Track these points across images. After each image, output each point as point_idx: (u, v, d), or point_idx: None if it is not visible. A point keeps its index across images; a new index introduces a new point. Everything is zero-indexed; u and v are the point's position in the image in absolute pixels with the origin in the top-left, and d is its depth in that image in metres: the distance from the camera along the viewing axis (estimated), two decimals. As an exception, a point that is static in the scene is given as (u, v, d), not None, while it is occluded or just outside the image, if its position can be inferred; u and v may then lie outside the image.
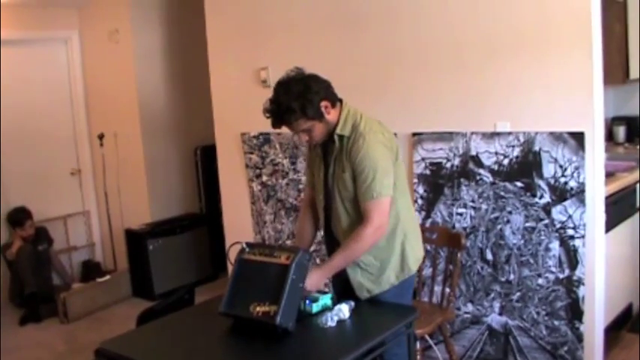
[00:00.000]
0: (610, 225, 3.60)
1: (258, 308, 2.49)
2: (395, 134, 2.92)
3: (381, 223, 2.68)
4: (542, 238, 3.51)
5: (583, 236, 3.39)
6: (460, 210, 3.78)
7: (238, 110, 4.90)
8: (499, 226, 3.65)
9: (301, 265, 2.53)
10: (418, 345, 3.32)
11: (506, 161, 3.58)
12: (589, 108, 3.30)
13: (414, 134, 3.90)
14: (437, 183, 3.86)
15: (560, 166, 3.40)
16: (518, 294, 3.63)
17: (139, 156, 6.08)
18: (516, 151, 3.53)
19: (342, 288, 2.87)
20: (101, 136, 6.15)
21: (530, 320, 3.61)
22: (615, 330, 3.97)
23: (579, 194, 3.37)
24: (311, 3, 4.34)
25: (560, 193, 3.42)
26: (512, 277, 3.64)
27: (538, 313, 3.58)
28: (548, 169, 3.44)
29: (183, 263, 5.96)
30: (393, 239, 2.80)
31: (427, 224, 3.87)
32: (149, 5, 6.03)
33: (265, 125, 4.77)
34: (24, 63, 6.14)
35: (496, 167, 3.61)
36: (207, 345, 2.53)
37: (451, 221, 3.83)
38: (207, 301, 3.12)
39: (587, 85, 3.29)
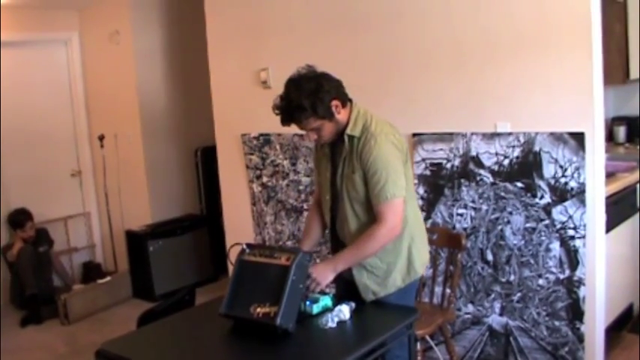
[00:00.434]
0: (610, 225, 3.60)
1: (258, 309, 2.49)
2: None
3: (395, 224, 2.66)
4: (543, 238, 3.51)
5: (583, 236, 3.39)
6: (460, 210, 3.78)
7: (239, 111, 4.90)
8: (499, 227, 3.64)
9: (301, 266, 2.53)
10: (419, 346, 3.32)
11: (506, 162, 3.58)
12: (589, 108, 3.30)
13: (414, 135, 3.90)
14: (437, 183, 3.86)
15: (561, 167, 3.40)
16: (518, 294, 3.63)
17: (140, 157, 6.08)
18: (516, 152, 3.53)
19: (345, 290, 2.87)
20: (101, 138, 6.16)
21: (530, 321, 3.61)
22: (616, 330, 3.96)
23: (580, 194, 3.37)
24: (311, 4, 4.35)
25: (561, 194, 3.42)
26: (512, 277, 3.64)
27: (539, 314, 3.57)
28: (549, 170, 3.44)
29: (184, 264, 5.96)
30: (400, 242, 2.78)
31: (427, 225, 3.86)
32: (149, 6, 6.04)
33: (266, 126, 4.79)
34: (24, 64, 6.15)
35: (496, 168, 3.61)
36: (207, 346, 2.54)
37: (451, 222, 3.83)
38: (207, 302, 3.12)
39: (588, 86, 3.29)
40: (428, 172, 3.88)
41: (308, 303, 2.64)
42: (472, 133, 3.68)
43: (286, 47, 4.49)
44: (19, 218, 5.72)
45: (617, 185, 3.85)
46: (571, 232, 3.42)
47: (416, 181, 3.91)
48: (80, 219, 6.62)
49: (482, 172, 3.67)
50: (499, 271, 3.68)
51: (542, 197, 3.48)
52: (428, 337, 3.48)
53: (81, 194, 6.64)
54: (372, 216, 2.71)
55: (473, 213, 3.74)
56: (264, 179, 4.78)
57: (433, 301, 3.62)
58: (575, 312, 3.46)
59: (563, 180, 3.40)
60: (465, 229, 3.77)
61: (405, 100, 3.96)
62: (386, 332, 2.57)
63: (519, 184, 3.54)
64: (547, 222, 3.48)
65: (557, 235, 3.46)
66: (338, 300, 2.72)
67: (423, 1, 3.81)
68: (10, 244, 5.68)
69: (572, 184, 3.38)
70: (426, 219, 3.90)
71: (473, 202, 3.73)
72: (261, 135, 4.71)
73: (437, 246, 3.61)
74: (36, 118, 6.22)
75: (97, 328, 5.18)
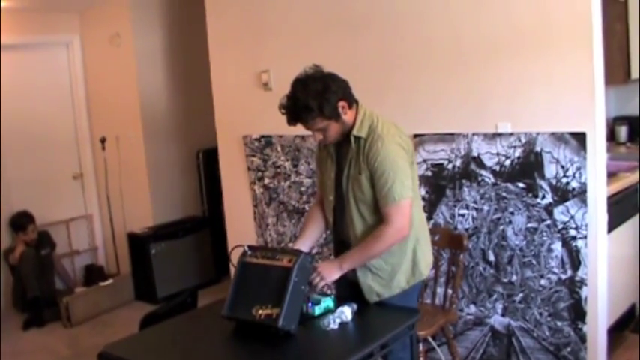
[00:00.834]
0: (612, 225, 3.59)
1: (260, 311, 2.49)
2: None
3: (402, 225, 2.66)
4: (545, 238, 3.51)
5: (585, 237, 3.39)
6: (462, 211, 3.78)
7: (240, 113, 4.90)
8: (501, 227, 3.64)
9: (303, 267, 2.54)
10: (421, 347, 3.32)
11: (507, 162, 3.58)
12: (590, 108, 3.30)
13: (416, 135, 3.90)
14: (439, 184, 3.86)
15: (562, 167, 3.40)
16: (520, 295, 3.63)
17: (141, 159, 6.08)
18: (518, 152, 3.53)
19: (347, 291, 2.86)
20: (103, 140, 6.16)
21: (532, 321, 3.61)
22: (618, 330, 3.96)
23: (581, 195, 3.37)
24: (312, 5, 4.35)
25: (562, 194, 3.42)
26: (514, 278, 3.64)
27: (541, 314, 3.57)
28: (550, 170, 3.44)
29: (186, 266, 5.97)
30: (405, 243, 2.77)
31: (429, 226, 3.85)
32: (150, 8, 6.04)
33: (267, 128, 4.79)
34: (25, 67, 6.16)
35: (498, 168, 3.61)
36: (210, 348, 2.54)
37: (453, 222, 3.83)
38: (209, 304, 3.12)
39: (589, 85, 3.29)
40: (429, 173, 3.88)
41: (310, 304, 2.64)
42: (473, 134, 3.68)
43: (287, 49, 4.49)
44: (21, 221, 5.73)
45: (618, 185, 3.85)
46: (573, 233, 3.42)
47: (417, 182, 3.91)
48: (82, 221, 6.62)
49: (483, 172, 3.67)
50: (501, 271, 3.68)
51: (543, 197, 3.48)
52: (430, 338, 3.49)
53: (83, 197, 6.64)
54: (378, 217, 2.71)
55: (474, 214, 3.74)
56: (266, 181, 4.79)
57: (435, 302, 3.62)
58: (578, 312, 3.46)
59: (564, 180, 3.40)
60: (466, 229, 3.77)
61: (405, 101, 3.96)
62: (388, 333, 2.57)
63: (521, 185, 3.54)
64: (549, 222, 3.48)
65: (558, 235, 3.46)
66: (340, 301, 2.71)
67: (423, 1, 3.81)
68: (12, 247, 5.69)
69: (574, 184, 3.38)
70: (427, 220, 3.88)
71: (474, 202, 3.73)
72: (263, 137, 4.72)
73: (439, 247, 3.61)
74: (37, 121, 6.23)
75: (100, 331, 5.18)
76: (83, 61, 6.45)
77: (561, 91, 3.37)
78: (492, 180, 3.64)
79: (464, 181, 3.75)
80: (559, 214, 3.44)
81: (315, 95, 2.59)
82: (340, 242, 2.91)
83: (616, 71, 4.67)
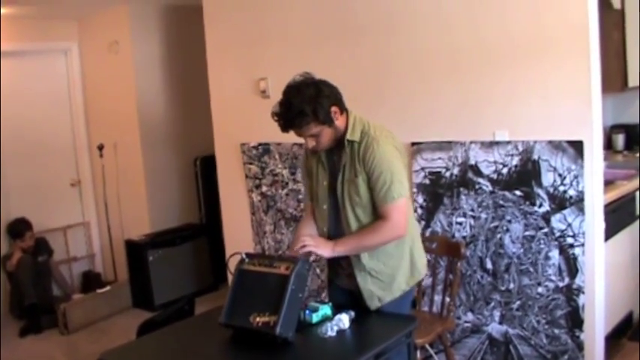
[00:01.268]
0: (609, 233, 3.60)
1: (258, 318, 2.49)
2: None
3: (400, 222, 2.68)
4: (542, 246, 3.51)
5: (582, 244, 3.39)
6: (460, 219, 3.79)
7: (238, 121, 4.91)
8: (499, 235, 3.65)
9: (301, 275, 2.54)
10: (418, 354, 3.31)
11: (505, 170, 3.58)
12: (587, 116, 3.31)
13: (413, 144, 3.90)
14: (436, 192, 3.86)
15: (559, 175, 3.40)
16: (518, 303, 3.63)
17: (139, 166, 6.09)
18: (515, 160, 3.54)
19: (344, 299, 2.86)
20: (101, 147, 6.17)
21: (530, 329, 3.60)
22: (616, 338, 3.95)
23: (578, 202, 3.37)
24: (309, 14, 4.36)
25: (560, 202, 3.42)
26: (512, 285, 3.64)
27: (538, 322, 3.57)
28: (547, 178, 3.44)
29: (184, 274, 5.96)
30: (402, 245, 2.80)
31: (427, 233, 3.87)
32: (148, 16, 6.05)
33: (265, 135, 4.79)
34: (24, 74, 6.18)
35: (495, 176, 3.62)
36: (207, 356, 2.54)
37: (451, 230, 3.83)
38: (207, 311, 3.12)
39: (586, 93, 3.29)
40: (427, 181, 3.89)
41: (307, 312, 2.65)
42: (471, 142, 3.68)
43: (285, 57, 4.50)
44: (19, 228, 5.73)
45: (615, 193, 3.86)
46: (570, 240, 3.42)
47: (415, 190, 3.92)
48: (80, 228, 6.62)
49: (481, 180, 3.67)
50: (498, 279, 3.68)
51: (541, 205, 3.48)
52: (427, 346, 3.48)
53: (80, 204, 6.64)
54: (374, 219, 2.73)
55: (472, 221, 3.74)
56: (264, 188, 4.79)
57: (432, 310, 3.61)
58: (575, 320, 3.46)
59: (562, 188, 3.41)
60: (464, 237, 3.77)
61: (403, 110, 3.97)
62: (385, 341, 2.57)
63: (518, 193, 3.55)
64: (546, 230, 3.48)
65: (556, 243, 3.46)
66: (337, 309, 2.72)
67: (419, 10, 3.82)
68: (10, 253, 5.68)
69: (571, 192, 3.38)
70: (425, 228, 3.91)
71: (472, 210, 3.73)
72: (261, 144, 4.72)
73: (436, 255, 3.61)
74: (35, 128, 6.23)
75: (97, 338, 5.17)
76: (81, 68, 6.47)
77: (559, 99, 3.37)
78: (490, 188, 3.65)
79: (461, 189, 3.75)
80: (556, 222, 3.44)
81: (309, 100, 2.61)
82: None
83: (613, 79, 4.68)
